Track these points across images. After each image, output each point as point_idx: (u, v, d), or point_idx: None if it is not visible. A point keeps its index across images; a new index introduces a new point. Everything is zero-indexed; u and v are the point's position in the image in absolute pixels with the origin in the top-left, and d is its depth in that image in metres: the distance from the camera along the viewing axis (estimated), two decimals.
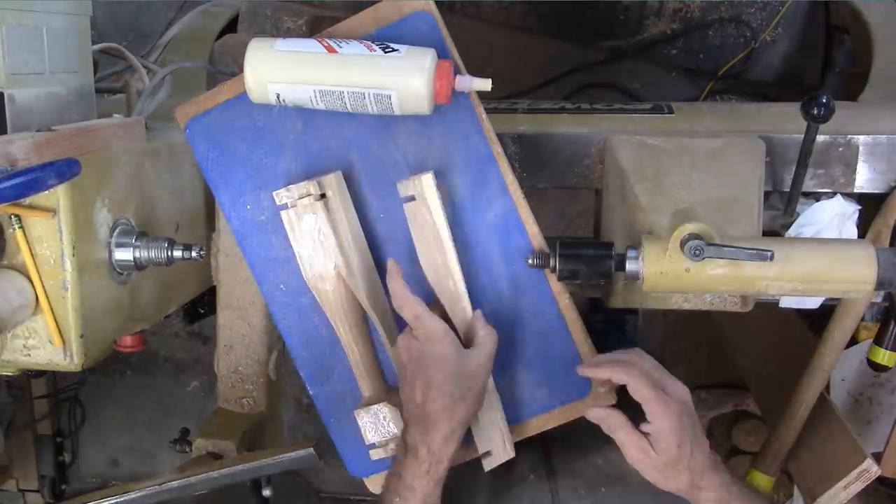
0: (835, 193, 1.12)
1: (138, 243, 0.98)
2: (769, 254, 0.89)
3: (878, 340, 1.18)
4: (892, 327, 1.16)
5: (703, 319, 2.10)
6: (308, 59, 0.91)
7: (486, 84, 0.92)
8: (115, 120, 1.01)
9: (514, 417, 1.02)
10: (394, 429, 0.97)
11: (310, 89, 0.91)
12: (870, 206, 1.13)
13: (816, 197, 1.13)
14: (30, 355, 0.92)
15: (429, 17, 0.95)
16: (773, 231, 1.13)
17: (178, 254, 0.99)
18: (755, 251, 0.90)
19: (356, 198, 1.00)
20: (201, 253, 1.00)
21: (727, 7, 1.79)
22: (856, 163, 1.12)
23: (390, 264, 0.95)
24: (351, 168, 1.00)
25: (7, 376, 1.01)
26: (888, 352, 1.17)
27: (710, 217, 1.03)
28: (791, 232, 1.11)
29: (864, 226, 1.12)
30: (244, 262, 1.05)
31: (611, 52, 1.84)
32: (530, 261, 0.98)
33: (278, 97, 0.93)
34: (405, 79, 0.89)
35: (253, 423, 1.27)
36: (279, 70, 0.91)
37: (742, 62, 1.80)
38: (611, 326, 2.07)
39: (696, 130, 1.14)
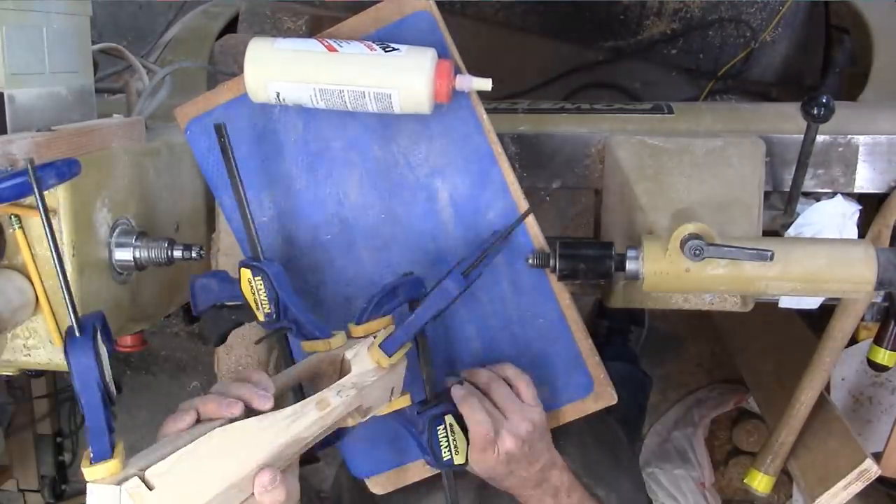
0: (835, 193, 1.12)
1: (138, 243, 0.98)
2: (769, 254, 0.90)
3: (878, 340, 1.18)
4: (892, 327, 1.16)
5: (703, 318, 2.10)
6: (308, 58, 0.91)
7: (486, 83, 0.92)
8: (115, 120, 1.02)
9: None
10: None
11: (310, 88, 0.91)
12: (870, 206, 1.13)
13: (816, 197, 1.13)
14: (30, 355, 0.92)
15: (429, 17, 0.95)
16: (773, 231, 1.13)
17: (178, 254, 0.99)
18: (755, 251, 0.90)
19: (357, 198, 1.01)
20: (201, 253, 1.00)
21: (727, 7, 1.79)
22: (856, 163, 1.12)
23: None
24: (352, 168, 1.00)
25: (7, 376, 1.01)
26: (888, 352, 1.17)
27: (710, 217, 1.03)
28: (791, 232, 1.11)
29: (864, 226, 1.12)
30: None
31: (611, 52, 1.84)
32: (530, 260, 0.98)
33: (278, 96, 0.93)
34: (405, 77, 0.89)
35: None
36: (279, 68, 0.91)
37: (742, 62, 1.80)
38: (615, 335, 2.08)
39: (696, 130, 1.14)
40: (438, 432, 0.94)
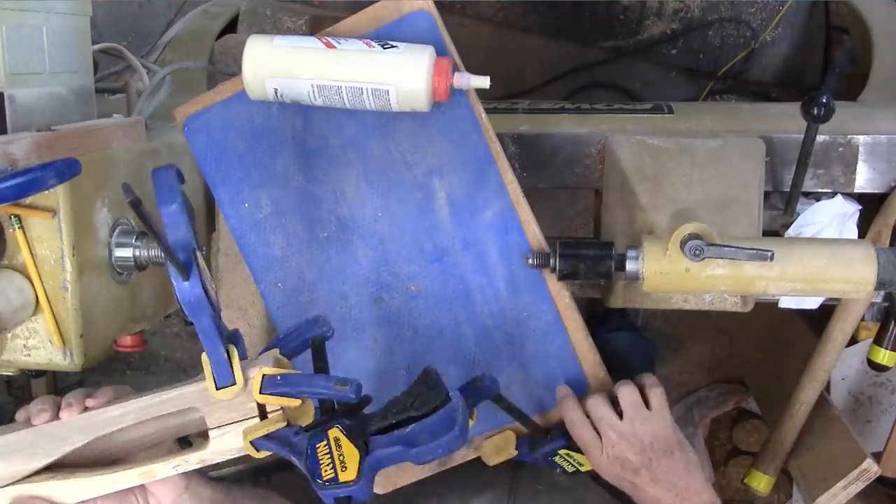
0: (835, 193, 1.12)
1: (138, 243, 0.98)
2: (769, 254, 0.89)
3: (878, 340, 1.18)
4: (892, 327, 1.16)
5: (703, 318, 2.10)
6: (306, 54, 0.91)
7: (484, 81, 0.92)
8: (115, 120, 1.02)
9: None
10: None
11: (307, 84, 0.91)
12: (870, 206, 1.13)
13: (816, 197, 1.13)
14: (30, 355, 0.92)
15: (428, 17, 0.95)
16: (773, 231, 1.13)
17: None
18: (755, 251, 0.90)
19: (354, 196, 1.01)
20: (201, 253, 1.00)
21: (727, 7, 1.79)
22: (856, 163, 1.12)
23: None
24: (349, 166, 1.00)
25: (7, 376, 1.01)
26: (888, 352, 1.17)
27: (710, 217, 1.03)
28: (791, 232, 1.11)
29: (864, 226, 1.12)
30: (244, 263, 1.05)
31: (611, 52, 1.84)
32: (530, 261, 0.98)
33: (276, 92, 0.93)
34: (404, 74, 0.89)
35: None
36: (277, 64, 0.91)
37: (742, 62, 1.80)
38: (612, 312, 2.05)
39: (696, 130, 1.14)
40: (556, 461, 0.90)
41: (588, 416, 0.94)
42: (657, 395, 0.94)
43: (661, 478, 0.90)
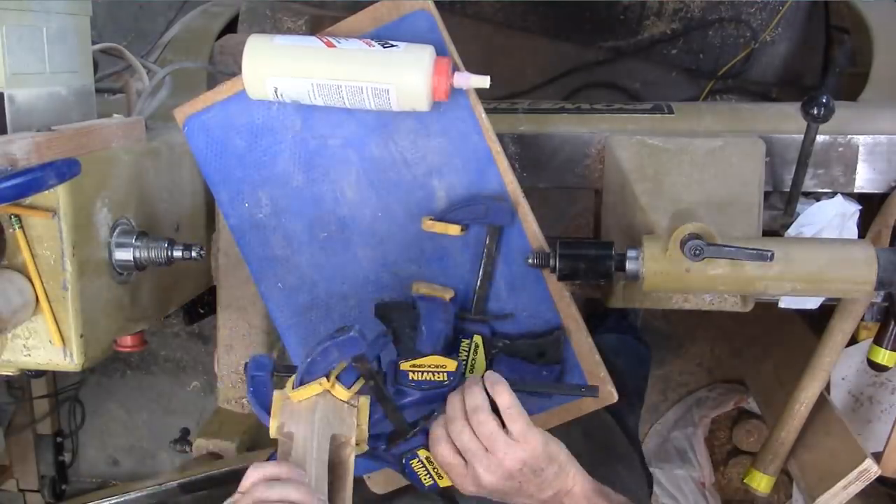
0: (835, 193, 1.12)
1: (138, 243, 0.98)
2: (769, 254, 0.90)
3: (878, 340, 1.18)
4: (892, 327, 1.16)
5: (703, 318, 2.10)
6: (306, 53, 0.91)
7: (484, 81, 0.92)
8: (115, 120, 1.02)
9: None
10: None
11: (307, 83, 0.91)
12: (870, 206, 1.13)
13: (816, 197, 1.13)
14: (30, 355, 0.92)
15: (428, 17, 0.95)
16: (773, 231, 1.13)
17: (178, 254, 0.99)
18: (755, 251, 0.90)
19: (354, 196, 1.01)
20: (201, 253, 1.00)
21: (727, 7, 1.79)
22: (856, 163, 1.12)
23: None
24: (349, 166, 1.00)
25: (7, 376, 1.01)
26: (888, 352, 1.17)
27: (710, 217, 1.04)
28: (791, 232, 1.11)
29: (864, 226, 1.12)
30: (244, 262, 1.05)
31: (611, 52, 1.84)
32: (530, 260, 0.97)
33: (276, 91, 0.93)
34: (404, 73, 0.89)
35: (253, 423, 1.27)
36: (277, 63, 0.91)
37: (742, 62, 1.80)
38: (612, 311, 2.04)
39: (696, 130, 1.14)
40: (413, 465, 0.90)
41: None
42: (513, 416, 0.86)
43: (533, 494, 0.87)
